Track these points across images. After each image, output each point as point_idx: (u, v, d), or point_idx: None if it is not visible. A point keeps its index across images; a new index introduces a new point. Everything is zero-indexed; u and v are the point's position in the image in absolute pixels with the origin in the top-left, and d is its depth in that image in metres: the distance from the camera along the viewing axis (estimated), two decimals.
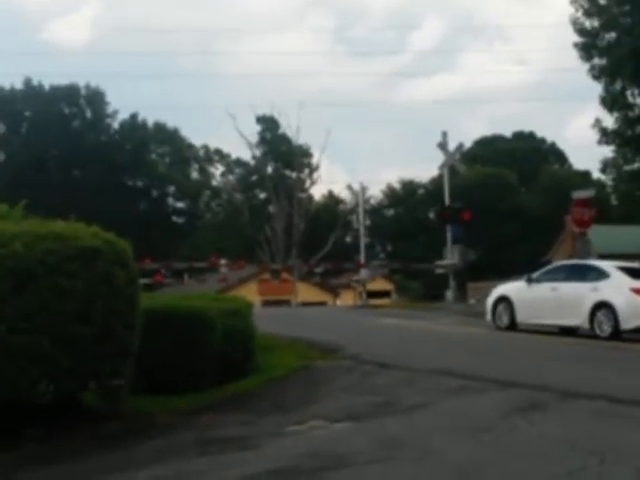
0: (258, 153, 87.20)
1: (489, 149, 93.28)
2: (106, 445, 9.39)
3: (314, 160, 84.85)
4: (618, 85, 47.20)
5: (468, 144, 77.67)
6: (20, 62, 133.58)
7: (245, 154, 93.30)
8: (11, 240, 9.24)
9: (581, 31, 47.01)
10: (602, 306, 20.43)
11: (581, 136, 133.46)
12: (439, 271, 41.78)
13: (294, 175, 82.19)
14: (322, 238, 71.77)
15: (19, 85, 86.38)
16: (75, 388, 9.94)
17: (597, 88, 47.69)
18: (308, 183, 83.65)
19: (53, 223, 9.97)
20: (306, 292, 58.07)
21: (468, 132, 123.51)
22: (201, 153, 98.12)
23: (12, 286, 9.03)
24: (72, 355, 9.24)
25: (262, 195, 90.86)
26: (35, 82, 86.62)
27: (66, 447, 9.25)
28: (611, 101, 46.96)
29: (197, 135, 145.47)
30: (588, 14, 46.95)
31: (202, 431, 9.94)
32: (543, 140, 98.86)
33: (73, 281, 9.32)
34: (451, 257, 38.24)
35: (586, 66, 47.30)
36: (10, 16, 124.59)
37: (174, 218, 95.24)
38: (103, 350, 9.50)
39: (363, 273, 46.70)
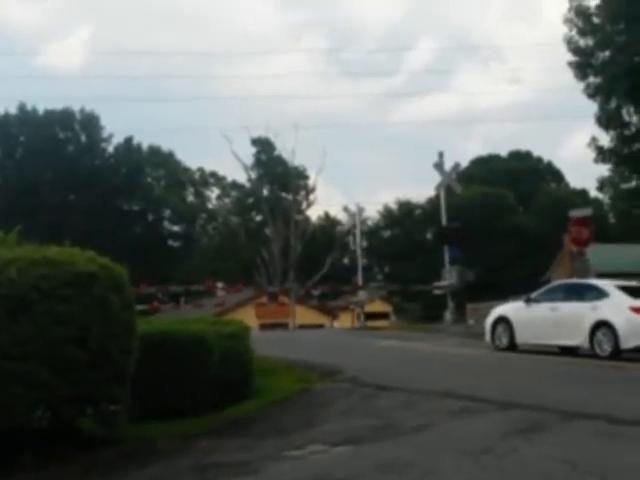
0: (254, 175, 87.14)
1: (485, 169, 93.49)
2: (104, 471, 9.33)
3: (310, 182, 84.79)
4: (613, 103, 47.36)
5: (464, 164, 77.58)
6: (14, 86, 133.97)
7: (241, 177, 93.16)
8: (5, 266, 9.22)
9: (575, 50, 47.19)
10: (602, 325, 20.38)
11: (577, 155, 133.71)
12: (437, 292, 41.68)
13: (290, 197, 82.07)
14: (319, 260, 71.62)
15: (13, 110, 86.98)
16: (72, 414, 9.88)
17: (592, 107, 47.89)
18: (304, 205, 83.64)
19: (47, 248, 9.94)
20: (304, 315, 57.84)
21: (464, 152, 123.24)
22: (196, 176, 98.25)
23: (6, 312, 9.00)
24: (68, 381, 9.18)
25: (258, 218, 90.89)
26: (29, 106, 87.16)
27: (63, 474, 9.19)
28: (607, 119, 47.08)
29: (192, 158, 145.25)
30: (582, 33, 47.16)
31: (201, 456, 9.87)
32: (539, 159, 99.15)
33: (68, 306, 9.28)
34: (449, 278, 38.12)
35: (581, 85, 47.50)
36: (4, 40, 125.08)
37: (170, 242, 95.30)
38: (100, 375, 9.45)
39: (361, 295, 46.57)
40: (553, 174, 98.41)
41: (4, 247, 10.17)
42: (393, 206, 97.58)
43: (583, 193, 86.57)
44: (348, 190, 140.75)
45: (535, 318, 21.95)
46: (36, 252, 9.73)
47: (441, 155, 40.93)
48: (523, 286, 34.98)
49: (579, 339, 20.84)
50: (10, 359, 8.88)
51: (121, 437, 10.22)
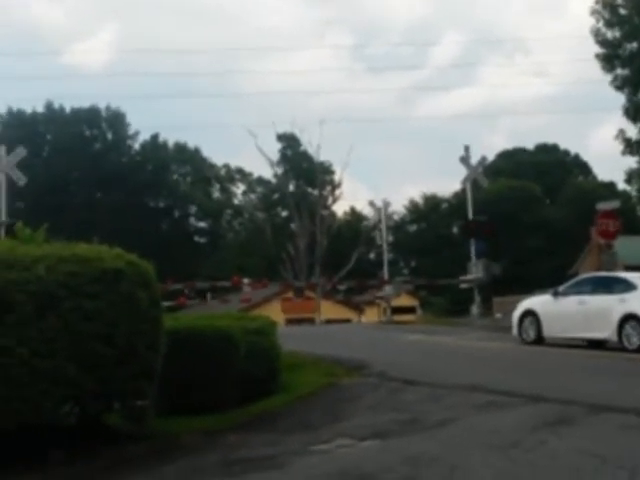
0: (279, 171, 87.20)
1: (512, 162, 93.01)
2: (130, 466, 9.40)
3: (336, 177, 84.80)
4: None
5: (491, 157, 77.25)
6: (41, 86, 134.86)
7: (266, 172, 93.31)
8: (34, 263, 9.28)
9: (603, 42, 46.91)
10: (630, 318, 20.19)
11: (605, 147, 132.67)
12: (464, 286, 41.55)
13: (316, 192, 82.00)
14: (345, 255, 71.63)
15: (40, 108, 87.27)
16: (99, 409, 9.97)
17: (620, 98, 47.57)
18: (330, 200, 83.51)
19: (75, 246, 9.99)
20: (330, 309, 57.94)
21: (490, 145, 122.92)
22: (222, 172, 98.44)
23: (35, 309, 9.04)
24: (96, 377, 9.24)
25: (284, 213, 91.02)
26: (56, 105, 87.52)
27: (90, 469, 9.25)
28: (634, 111, 46.79)
29: (218, 154, 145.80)
30: (609, 25, 46.86)
31: (227, 451, 9.90)
32: (567, 152, 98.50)
33: (96, 303, 9.34)
34: (475, 271, 37.97)
35: (608, 77, 47.20)
36: (30, 40, 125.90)
37: (196, 238, 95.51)
38: (127, 371, 9.50)
39: (387, 289, 46.51)
40: (580, 167, 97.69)
41: (32, 244, 10.22)
42: (419, 200, 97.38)
43: (611, 186, 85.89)
44: (374, 185, 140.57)
45: (563, 311, 21.81)
46: (64, 249, 9.79)
47: (467, 149, 40.73)
48: (550, 279, 34.86)
49: (607, 332, 20.68)
50: (38, 356, 8.92)
51: (148, 433, 10.27)
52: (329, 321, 51.37)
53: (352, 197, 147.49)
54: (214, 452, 9.91)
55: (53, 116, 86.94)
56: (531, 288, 36.33)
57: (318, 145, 79.05)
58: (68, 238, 10.47)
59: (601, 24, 46.62)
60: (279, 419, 11.94)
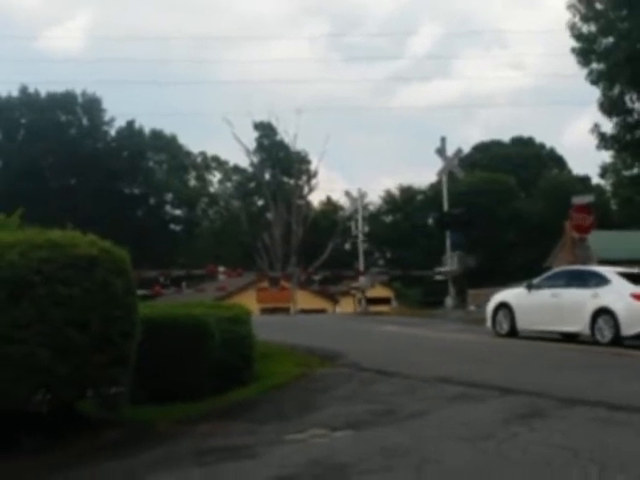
0: (256, 160, 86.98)
1: (487, 155, 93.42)
2: (104, 454, 9.35)
3: (312, 167, 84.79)
4: (616, 90, 47.15)
5: (466, 150, 77.53)
6: (16, 69, 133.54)
7: (243, 161, 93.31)
8: (7, 249, 9.24)
9: (578, 36, 46.97)
10: (603, 312, 20.37)
11: (580, 141, 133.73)
12: (438, 278, 41.75)
13: (292, 182, 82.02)
14: (321, 245, 71.63)
15: (15, 93, 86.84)
16: (73, 397, 9.90)
17: (595, 93, 47.70)
18: (306, 190, 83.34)
19: (49, 232, 9.92)
20: (305, 299, 57.97)
21: (466, 137, 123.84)
22: (199, 160, 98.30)
23: (8, 295, 9.02)
24: (69, 364, 9.20)
25: (260, 202, 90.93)
26: (31, 89, 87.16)
27: (64, 456, 9.21)
28: (609, 106, 46.90)
29: (194, 142, 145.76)
30: (585, 19, 46.94)
31: (201, 440, 9.87)
32: (542, 145, 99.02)
33: (70, 289, 9.29)
34: (450, 263, 38.17)
35: (584, 71, 47.29)
36: (5, 23, 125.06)
37: (172, 226, 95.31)
38: (101, 358, 9.45)
39: (362, 280, 46.60)
40: (555, 160, 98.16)
41: (6, 230, 10.17)
42: (395, 191, 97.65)
43: (585, 180, 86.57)
44: (350, 175, 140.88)
45: (536, 304, 21.94)
46: (38, 235, 9.72)
47: (443, 140, 40.96)
48: (525, 272, 35.00)
49: (580, 326, 20.83)
50: (11, 342, 8.89)
51: (122, 420, 10.25)
52: (304, 311, 51.38)
53: (328, 187, 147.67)
54: (188, 440, 9.87)
55: (28, 101, 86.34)
56: (506, 281, 36.47)
57: (295, 134, 79.12)
58: (42, 224, 10.39)
59: (577, 18, 46.68)
60: (253, 408, 11.90)
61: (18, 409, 9.37)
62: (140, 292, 11.92)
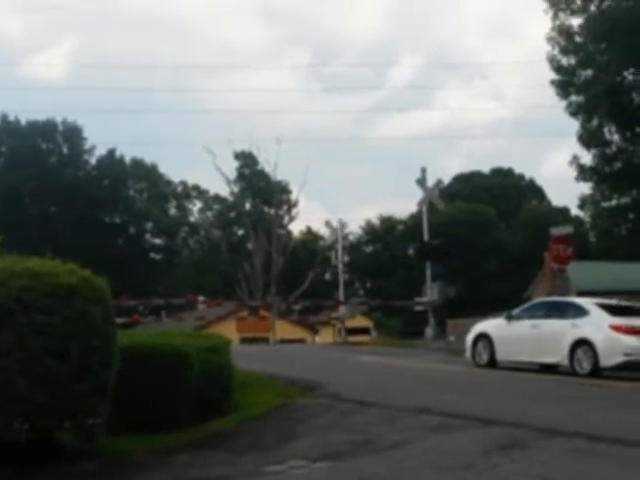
0: (236, 189, 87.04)
1: (468, 185, 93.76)
2: None
3: (293, 196, 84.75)
4: (595, 122, 47.69)
5: (447, 180, 77.90)
6: None
7: (223, 190, 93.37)
8: None
9: (558, 68, 47.48)
10: (582, 343, 20.41)
11: (559, 173, 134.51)
12: (418, 308, 41.79)
13: (272, 211, 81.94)
14: (301, 275, 71.53)
15: None
16: (51, 426, 9.87)
17: (574, 125, 48.20)
18: (287, 219, 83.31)
19: (29, 260, 9.90)
20: (285, 329, 57.73)
21: (447, 168, 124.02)
22: (179, 189, 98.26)
23: None
24: (48, 392, 9.14)
25: (240, 231, 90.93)
26: (12, 117, 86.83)
27: None
28: (588, 138, 47.37)
29: (175, 171, 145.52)
30: (565, 52, 47.48)
31: (180, 471, 9.81)
32: (521, 176, 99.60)
33: (50, 318, 9.25)
34: (430, 294, 38.24)
35: (563, 103, 47.80)
36: None
37: (152, 254, 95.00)
38: (80, 388, 9.41)
39: (342, 310, 46.61)
40: (535, 191, 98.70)
41: None
42: (375, 221, 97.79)
43: (564, 211, 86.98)
44: (330, 205, 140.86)
45: (515, 335, 21.97)
46: (18, 263, 9.70)
47: (424, 171, 41.14)
48: (504, 303, 35.04)
49: (559, 357, 20.86)
50: None
51: (100, 451, 10.16)
52: (283, 341, 51.20)
53: (309, 217, 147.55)
54: (166, 471, 9.81)
55: (8, 128, 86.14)
56: (485, 311, 36.51)
57: (275, 164, 78.86)
58: (22, 252, 10.35)
59: (557, 51, 47.22)
60: (232, 439, 11.85)
61: None
62: (119, 320, 11.85)
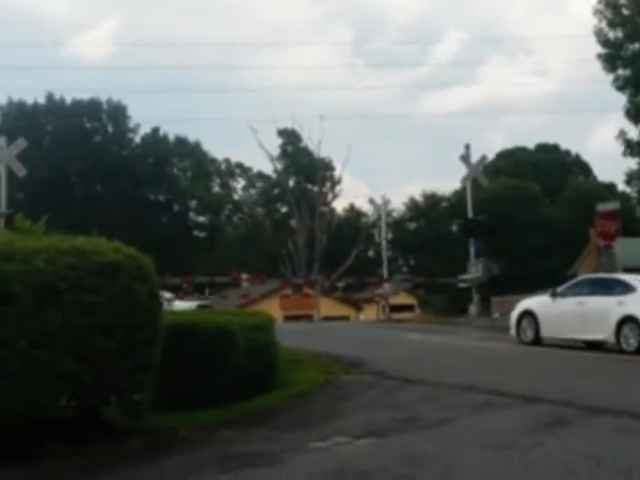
0: (280, 167, 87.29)
1: (512, 161, 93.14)
2: (127, 460, 9.39)
3: (336, 173, 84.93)
4: None
5: (491, 156, 77.51)
6: (42, 77, 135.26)
7: (267, 167, 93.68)
8: (33, 256, 9.27)
9: (605, 42, 46.88)
10: (628, 320, 20.27)
11: (606, 148, 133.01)
12: (462, 285, 41.66)
13: (316, 189, 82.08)
14: (344, 252, 71.69)
15: (41, 99, 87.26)
16: (97, 403, 9.97)
17: (621, 99, 47.59)
18: (330, 197, 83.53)
19: (75, 238, 9.98)
20: (328, 307, 58.04)
21: (491, 144, 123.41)
22: (223, 167, 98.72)
23: (35, 301, 9.04)
24: (94, 370, 9.25)
25: (284, 209, 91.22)
26: (57, 96, 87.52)
27: (86, 462, 9.23)
28: (636, 112, 46.79)
29: (219, 149, 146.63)
30: (612, 25, 46.83)
31: (224, 446, 9.89)
32: (567, 152, 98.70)
33: (95, 296, 9.34)
34: (474, 271, 38.08)
35: (610, 77, 47.19)
36: (32, 31, 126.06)
37: (196, 232, 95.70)
38: (125, 365, 9.50)
39: (386, 287, 46.61)
40: (581, 167, 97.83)
41: (32, 237, 10.24)
42: (419, 198, 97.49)
43: (611, 187, 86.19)
44: (374, 182, 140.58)
45: (561, 312, 21.89)
46: (64, 242, 9.77)
47: (467, 147, 40.92)
48: (549, 280, 34.85)
49: (605, 334, 20.74)
50: (37, 348, 8.93)
51: (145, 427, 10.27)
52: (327, 318, 51.42)
53: (352, 194, 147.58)
54: (211, 447, 9.89)
55: (54, 107, 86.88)
56: (530, 288, 36.33)
57: (318, 141, 78.96)
58: (68, 231, 10.45)
59: (604, 24, 46.62)
60: (277, 415, 11.94)
61: (44, 415, 9.43)
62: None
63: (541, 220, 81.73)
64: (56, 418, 9.69)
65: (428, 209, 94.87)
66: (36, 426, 9.46)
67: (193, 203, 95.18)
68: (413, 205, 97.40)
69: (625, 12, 46.55)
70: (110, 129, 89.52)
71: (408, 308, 60.64)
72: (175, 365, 10.81)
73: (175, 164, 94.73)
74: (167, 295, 43.15)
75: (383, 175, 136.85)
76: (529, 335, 22.54)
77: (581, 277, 25.43)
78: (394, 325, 34.82)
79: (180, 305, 36.92)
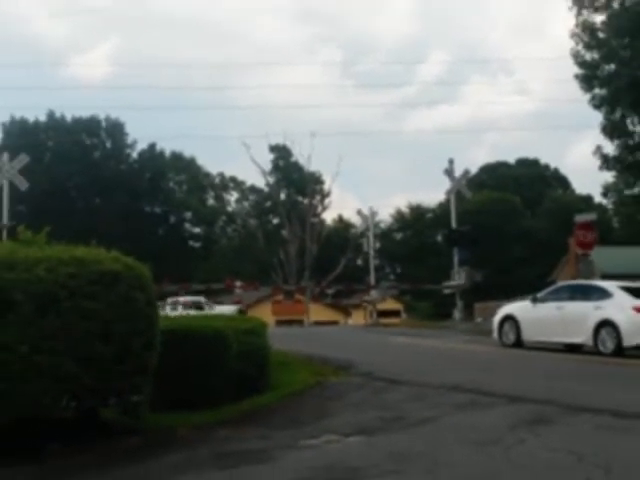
0: (272, 180, 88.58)
1: (494, 175, 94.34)
2: (125, 459, 9.58)
3: (325, 187, 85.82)
4: (618, 114, 47.89)
5: (474, 171, 78.41)
6: (43, 96, 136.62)
7: (259, 181, 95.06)
8: (35, 265, 9.48)
9: (582, 63, 47.69)
10: (605, 324, 20.77)
11: (583, 162, 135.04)
12: (447, 292, 42.05)
13: (306, 201, 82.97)
14: (333, 261, 72.14)
15: (42, 117, 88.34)
16: (96, 404, 10.19)
17: (598, 117, 48.41)
18: (320, 209, 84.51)
19: (75, 248, 10.19)
20: (318, 312, 58.35)
21: (474, 159, 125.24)
22: (217, 180, 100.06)
23: (36, 308, 9.26)
24: (93, 373, 9.46)
25: (275, 220, 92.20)
26: (58, 114, 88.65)
27: (86, 461, 9.39)
28: (611, 129, 47.59)
29: (213, 163, 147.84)
30: (588, 47, 47.71)
31: (220, 445, 10.09)
32: (547, 166, 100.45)
33: (94, 303, 9.56)
34: (458, 278, 38.54)
35: (587, 96, 48.03)
36: (34, 52, 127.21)
37: (191, 243, 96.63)
38: (123, 368, 9.72)
39: (373, 294, 47.00)
40: (559, 180, 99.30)
41: (34, 247, 10.45)
42: (405, 210, 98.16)
43: (588, 199, 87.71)
44: (362, 195, 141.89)
45: (541, 316, 22.34)
46: (64, 252, 9.98)
47: (451, 162, 41.70)
48: (530, 287, 35.22)
49: (583, 337, 21.21)
50: (38, 353, 9.15)
51: (143, 427, 10.47)
52: (317, 323, 51.74)
53: (341, 206, 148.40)
54: (206, 445, 10.09)
55: (55, 125, 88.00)
56: (512, 295, 36.69)
57: (309, 156, 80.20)
58: (68, 241, 10.65)
59: (580, 46, 47.44)
60: (269, 415, 12.11)
61: (44, 416, 9.67)
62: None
63: (522, 230, 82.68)
64: (56, 419, 9.90)
65: (414, 220, 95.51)
66: (36, 426, 9.66)
67: (188, 215, 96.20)
68: (399, 216, 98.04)
69: (601, 35, 47.40)
70: (109, 145, 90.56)
71: (395, 313, 60.91)
72: (172, 368, 11.02)
73: (171, 178, 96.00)
74: (202, 299, 43.67)
75: (371, 188, 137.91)
76: (511, 338, 22.96)
77: (560, 283, 25.87)
78: (381, 329, 35.08)
79: (223, 309, 37.80)
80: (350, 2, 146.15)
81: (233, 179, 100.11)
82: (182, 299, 42.56)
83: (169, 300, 41.52)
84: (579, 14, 47.72)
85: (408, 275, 79.11)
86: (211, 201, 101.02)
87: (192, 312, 28.14)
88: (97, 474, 9.04)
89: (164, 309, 39.73)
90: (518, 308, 23.61)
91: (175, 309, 37.63)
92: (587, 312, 21.33)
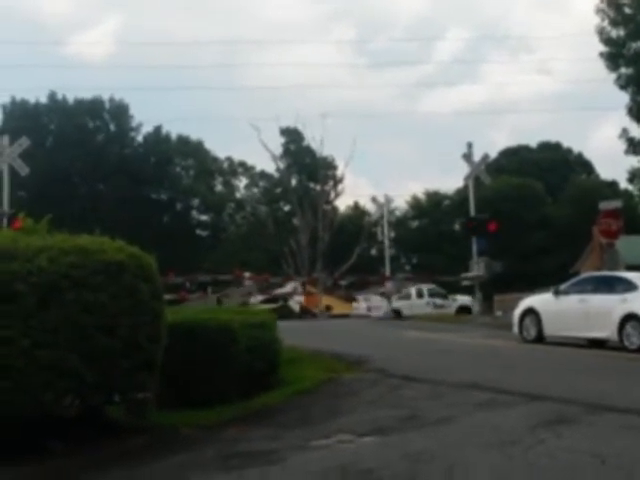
0: (282, 165, 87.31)
1: (514, 160, 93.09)
2: (130, 459, 9.42)
3: (338, 172, 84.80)
4: None
5: (493, 155, 77.37)
6: (44, 76, 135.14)
7: (269, 166, 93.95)
8: (36, 255, 9.27)
9: (607, 40, 46.88)
10: (631, 318, 20.25)
11: (608, 146, 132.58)
12: (465, 283, 41.74)
13: (318, 187, 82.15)
14: (347, 250, 71.67)
15: (44, 99, 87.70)
16: (100, 402, 10.00)
17: (624, 98, 47.55)
18: (332, 195, 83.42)
19: (78, 237, 9.98)
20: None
21: (493, 143, 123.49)
22: (225, 166, 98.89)
23: (37, 300, 9.03)
24: (97, 369, 9.26)
25: (286, 207, 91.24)
26: (59, 96, 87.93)
27: (90, 460, 9.25)
28: (638, 110, 46.73)
29: (221, 148, 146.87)
30: (614, 23, 46.85)
31: (226, 445, 9.92)
32: (569, 150, 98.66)
33: (98, 295, 9.34)
34: (477, 269, 38.12)
35: (613, 75, 47.19)
36: (34, 30, 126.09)
37: (198, 231, 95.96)
38: (128, 363, 9.54)
39: (388, 285, 46.67)
40: (583, 165, 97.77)
41: (35, 236, 10.21)
42: (421, 197, 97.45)
43: (613, 185, 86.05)
44: (376, 180, 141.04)
45: (563, 310, 21.89)
46: (66, 241, 9.77)
47: (470, 146, 40.97)
48: (552, 278, 34.87)
49: (608, 332, 20.72)
50: (41, 347, 8.93)
51: (148, 425, 10.32)
52: (330, 316, 51.43)
53: (354, 192, 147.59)
54: (213, 445, 9.92)
55: (56, 107, 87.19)
56: (532, 286, 36.34)
57: (321, 140, 78.94)
58: (70, 229, 10.43)
59: (606, 23, 46.60)
60: (279, 414, 11.95)
61: (47, 413, 9.42)
62: (166, 297, 11.97)
63: (544, 218, 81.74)
64: (59, 417, 9.69)
65: (431, 207, 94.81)
66: (39, 425, 9.44)
67: (196, 202, 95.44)
68: (415, 203, 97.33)
69: (627, 11, 46.57)
70: (112, 128, 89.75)
71: None
72: (178, 364, 10.89)
73: (177, 163, 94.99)
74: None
75: (386, 173, 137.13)
76: (532, 333, 22.55)
77: (584, 275, 25.45)
78: (396, 323, 34.89)
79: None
80: None
81: (242, 164, 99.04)
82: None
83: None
84: None
85: (424, 265, 78.73)
86: (219, 187, 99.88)
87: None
88: (101, 474, 8.88)
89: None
90: (539, 301, 23.20)
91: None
92: (612, 305, 20.83)
